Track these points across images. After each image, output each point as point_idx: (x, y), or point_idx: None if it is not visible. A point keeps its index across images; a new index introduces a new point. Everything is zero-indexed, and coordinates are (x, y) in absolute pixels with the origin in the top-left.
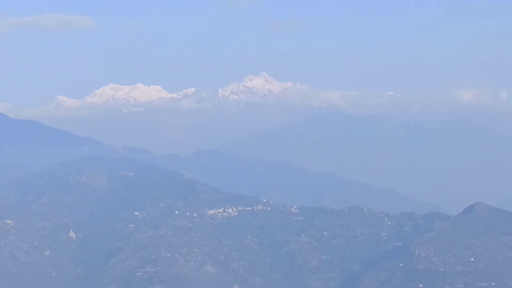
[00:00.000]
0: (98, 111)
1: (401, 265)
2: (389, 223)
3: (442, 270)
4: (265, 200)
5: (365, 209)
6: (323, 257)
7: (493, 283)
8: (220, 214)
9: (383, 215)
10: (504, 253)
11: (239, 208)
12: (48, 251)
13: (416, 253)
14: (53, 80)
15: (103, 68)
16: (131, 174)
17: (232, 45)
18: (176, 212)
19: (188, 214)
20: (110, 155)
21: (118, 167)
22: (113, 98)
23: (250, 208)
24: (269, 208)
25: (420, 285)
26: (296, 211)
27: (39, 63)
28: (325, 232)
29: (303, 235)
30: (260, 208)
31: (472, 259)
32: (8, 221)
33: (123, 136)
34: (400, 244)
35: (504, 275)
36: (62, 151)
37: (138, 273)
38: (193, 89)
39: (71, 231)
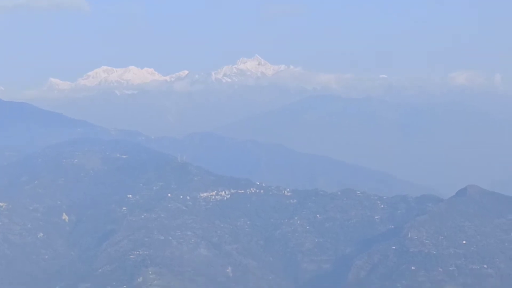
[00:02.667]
0: (91, 93)
1: (394, 247)
2: (382, 206)
3: (435, 252)
4: (258, 182)
5: (358, 192)
6: (316, 240)
7: (485, 266)
8: (213, 196)
9: (376, 197)
10: (497, 235)
11: (232, 190)
12: (41, 234)
13: (409, 235)
14: (46, 63)
15: (95, 50)
16: (125, 156)
17: (225, 27)
18: (169, 194)
19: (181, 196)
20: (103, 137)
21: (111, 150)
22: (106, 80)
23: (243, 191)
24: (262, 191)
25: (413, 268)
26: (289, 193)
27: (32, 46)
28: (318, 215)
29: (296, 217)
30: (253, 190)
31: (464, 242)
32: (1, 203)
33: (116, 119)
34: (393, 226)
35: (497, 257)
36: (55, 133)
37: (131, 256)
38: (186, 72)
39: (64, 214)
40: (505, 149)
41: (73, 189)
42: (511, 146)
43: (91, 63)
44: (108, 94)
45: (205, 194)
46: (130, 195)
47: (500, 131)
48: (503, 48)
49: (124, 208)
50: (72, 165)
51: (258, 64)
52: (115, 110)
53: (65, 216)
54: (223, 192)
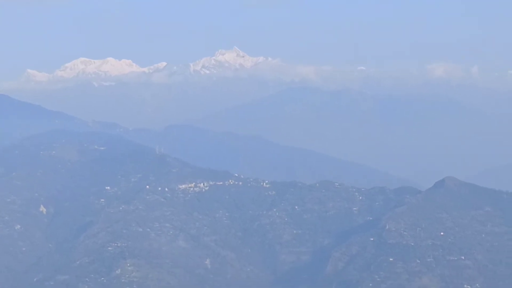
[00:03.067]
0: (68, 85)
1: (372, 239)
2: (361, 198)
3: (413, 244)
4: (236, 174)
5: (336, 184)
6: (295, 231)
7: (463, 257)
8: (192, 188)
9: (354, 189)
10: (474, 227)
11: (211, 182)
12: (19, 226)
13: (387, 227)
14: (23, 54)
15: (73, 41)
16: (102, 148)
17: (204, 19)
18: (148, 186)
19: (160, 188)
20: (81, 129)
21: (89, 141)
22: (84, 72)
23: (221, 183)
24: (240, 183)
25: (391, 259)
26: (267, 185)
27: (9, 37)
28: (296, 207)
29: (274, 209)
30: (231, 182)
31: (442, 233)
32: None
33: (94, 110)
34: (371, 218)
35: (474, 249)
36: (33, 125)
37: (109, 248)
38: (164, 63)
39: (42, 206)
40: (483, 141)
41: (51, 181)
42: (489, 138)
43: (69, 55)
44: (86, 86)
45: (183, 186)
46: (108, 187)
47: (478, 123)
48: (481, 41)
49: (102, 200)
50: (50, 157)
51: (237, 56)
52: (93, 101)
53: (42, 208)
54: (202, 184)
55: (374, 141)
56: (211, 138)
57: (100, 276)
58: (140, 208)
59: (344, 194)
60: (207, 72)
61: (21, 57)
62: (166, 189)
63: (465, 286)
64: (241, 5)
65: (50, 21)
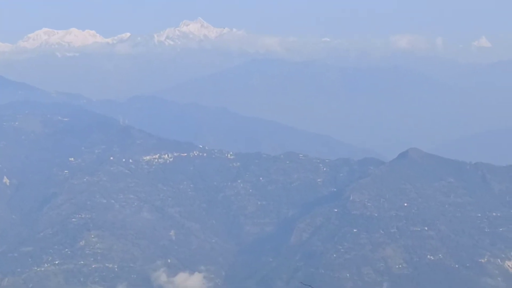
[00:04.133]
0: (31, 55)
1: (336, 210)
2: (325, 169)
3: (376, 215)
4: (201, 146)
5: (301, 155)
6: (259, 203)
7: (426, 228)
8: (156, 160)
9: (318, 161)
10: (437, 198)
11: (175, 154)
12: None
13: (351, 198)
14: None
15: (36, 12)
16: (66, 119)
17: None
18: (112, 158)
19: (124, 160)
20: (44, 100)
21: (52, 112)
22: (47, 42)
23: (186, 154)
24: (205, 154)
25: (355, 230)
26: (232, 157)
27: None
28: (261, 178)
29: (239, 180)
30: (196, 154)
31: (405, 204)
32: None
33: (57, 81)
34: (335, 189)
35: (437, 219)
36: None
37: (73, 219)
38: (128, 34)
39: (5, 177)
40: (446, 112)
41: (14, 152)
42: (452, 109)
43: (32, 25)
44: (49, 57)
45: (147, 157)
46: (72, 158)
47: (442, 94)
48: (445, 12)
49: (66, 171)
50: (13, 128)
51: (201, 27)
52: (56, 72)
53: (6, 180)
54: (166, 155)
55: (338, 113)
56: (175, 110)
57: (64, 248)
58: (104, 179)
59: (308, 165)
60: (171, 43)
61: None
62: (131, 161)
63: (428, 256)
64: None
65: None
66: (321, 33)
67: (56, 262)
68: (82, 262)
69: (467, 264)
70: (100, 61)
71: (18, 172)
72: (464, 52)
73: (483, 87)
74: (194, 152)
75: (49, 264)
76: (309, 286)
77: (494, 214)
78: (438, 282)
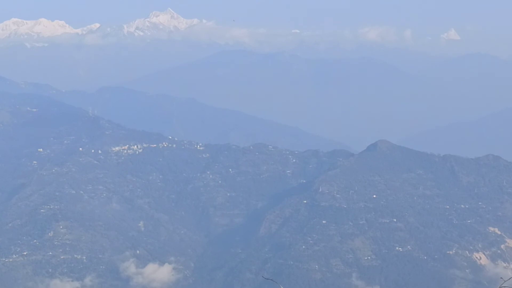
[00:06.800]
0: (0, 45)
1: (305, 201)
2: (294, 160)
3: (345, 206)
4: (170, 137)
5: (270, 147)
6: (228, 194)
7: (395, 220)
8: (125, 151)
9: (287, 152)
10: (406, 190)
11: (144, 145)
12: None
13: (320, 190)
14: None
15: (5, 1)
16: (35, 110)
17: None
18: (81, 148)
19: (93, 150)
20: (13, 90)
21: (21, 103)
22: (16, 33)
23: (155, 145)
24: (174, 145)
25: (324, 221)
26: (201, 148)
27: None
28: (230, 169)
29: (208, 172)
30: (165, 145)
31: (374, 196)
32: None
33: (26, 72)
34: (304, 181)
35: (406, 211)
36: None
37: (42, 210)
38: (97, 25)
39: None
40: (415, 104)
41: None
42: (421, 101)
43: (1, 15)
44: (18, 47)
45: (117, 148)
46: (41, 149)
47: (410, 86)
48: (414, 5)
49: (34, 162)
50: None
51: (171, 18)
52: (25, 63)
53: None
54: (135, 146)
55: (307, 105)
56: (144, 101)
57: (32, 239)
58: (73, 170)
59: (277, 157)
60: (141, 33)
61: None
62: (100, 151)
63: (397, 248)
64: None
65: None
66: (290, 25)
67: (25, 253)
68: (50, 253)
69: (436, 256)
70: (70, 52)
71: None
72: (433, 45)
73: (452, 79)
74: (164, 143)
75: (17, 255)
76: (271, 279)
77: (462, 206)
78: (406, 273)
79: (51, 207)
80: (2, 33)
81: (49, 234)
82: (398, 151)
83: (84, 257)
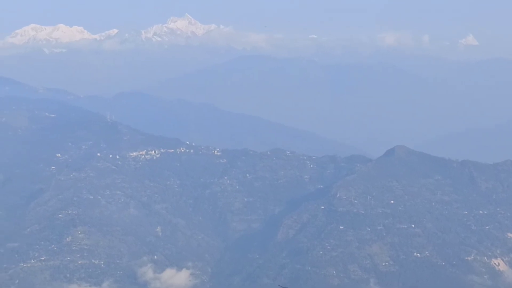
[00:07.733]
0: (19, 51)
1: (323, 207)
2: (312, 166)
3: (363, 212)
4: (188, 142)
5: (287, 152)
6: (246, 199)
7: (413, 225)
8: (143, 156)
9: (305, 157)
10: (423, 195)
11: (162, 150)
12: None
13: (338, 195)
14: None
15: (24, 7)
16: (53, 115)
17: None
18: (99, 154)
19: (111, 156)
20: (31, 96)
21: (39, 108)
22: (35, 38)
23: (173, 150)
24: (192, 151)
25: (341, 227)
26: (219, 153)
27: None
28: (247, 175)
29: (225, 177)
30: (183, 150)
31: (392, 202)
32: None
33: (44, 77)
34: (322, 186)
35: (423, 217)
36: None
37: (60, 215)
38: (115, 30)
39: None
40: (432, 109)
41: (1, 148)
42: (438, 107)
43: (20, 21)
44: (37, 53)
45: (134, 154)
46: (59, 154)
47: (428, 92)
48: (431, 10)
49: (52, 167)
50: (0, 123)
51: (189, 24)
52: (43, 68)
53: None
54: (153, 152)
55: (325, 110)
56: (162, 106)
57: (50, 244)
58: (91, 175)
59: (295, 162)
60: (159, 39)
61: None
62: (117, 157)
63: (415, 254)
64: None
65: None
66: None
67: (43, 258)
68: (68, 258)
69: (454, 262)
70: (88, 57)
71: (5, 168)
72: (451, 50)
73: (470, 85)
74: (181, 148)
75: (35, 260)
76: None
77: (480, 212)
78: (424, 279)
79: (69, 212)
80: (20, 39)
81: (67, 239)
82: (415, 156)
83: (102, 262)
